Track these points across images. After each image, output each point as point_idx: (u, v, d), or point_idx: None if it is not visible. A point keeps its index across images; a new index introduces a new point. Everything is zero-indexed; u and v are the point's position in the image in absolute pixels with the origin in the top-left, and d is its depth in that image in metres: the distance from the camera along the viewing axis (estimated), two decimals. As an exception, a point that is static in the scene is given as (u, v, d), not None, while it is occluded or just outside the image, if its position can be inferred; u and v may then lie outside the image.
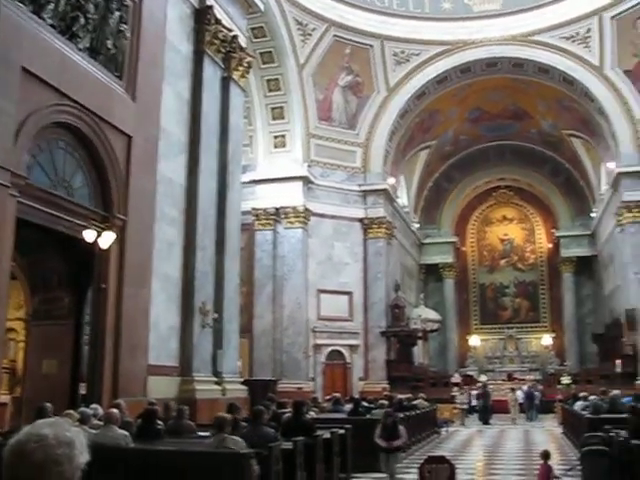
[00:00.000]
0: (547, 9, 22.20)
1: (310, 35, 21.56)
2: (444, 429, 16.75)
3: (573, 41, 22.09)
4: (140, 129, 9.88)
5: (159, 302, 10.61)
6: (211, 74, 12.48)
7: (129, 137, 9.66)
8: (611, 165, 23.09)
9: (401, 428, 8.34)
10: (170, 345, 11.08)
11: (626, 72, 21.65)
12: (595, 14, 21.42)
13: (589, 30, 21.75)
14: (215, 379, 12.10)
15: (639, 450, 6.61)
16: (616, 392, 13.22)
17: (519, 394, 21.30)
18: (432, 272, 32.85)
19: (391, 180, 24.70)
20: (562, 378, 23.74)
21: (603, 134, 23.66)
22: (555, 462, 9.21)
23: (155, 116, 10.38)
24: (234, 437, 5.95)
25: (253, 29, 19.22)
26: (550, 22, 22.20)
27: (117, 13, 9.48)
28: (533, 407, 20.64)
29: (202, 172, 11.97)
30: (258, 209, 21.13)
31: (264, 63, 20.69)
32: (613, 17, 21.14)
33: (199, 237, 11.77)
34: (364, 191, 23.56)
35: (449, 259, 32.53)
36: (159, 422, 7.48)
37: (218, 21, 12.39)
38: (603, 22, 21.35)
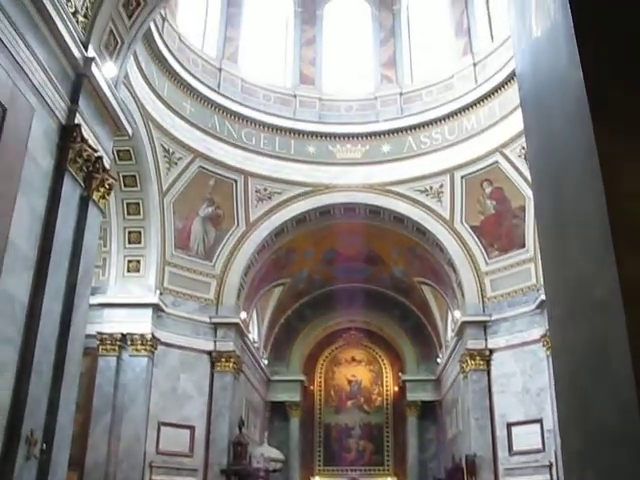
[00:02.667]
0: (404, 163, 23.85)
1: (176, 163, 21.77)
2: None
3: (427, 194, 23.68)
4: (-14, 240, 9.34)
5: (-19, 430, 9.66)
6: (70, 192, 12.16)
7: (-28, 247, 9.10)
8: (457, 314, 24.30)
9: None
10: (-15, 479, 10.02)
11: (473, 227, 23.32)
12: (448, 172, 23.23)
13: (442, 186, 23.46)
14: (35, 519, 10.97)
15: None
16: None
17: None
18: (278, 410, 32.35)
19: (243, 314, 24.60)
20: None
21: (451, 283, 24.98)
22: None
23: (4, 229, 9.88)
24: None
25: (119, 151, 19.19)
26: (406, 175, 23.78)
27: (-23, 120, 9.16)
28: None
29: (48, 291, 11.35)
30: (104, 334, 20.26)
31: (126, 186, 20.54)
32: (463, 177, 22.96)
33: (36, 360, 10.99)
34: (215, 323, 23.25)
35: (296, 397, 32.27)
36: None
37: (84, 140, 12.24)
38: (454, 180, 23.13)
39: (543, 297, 18.14)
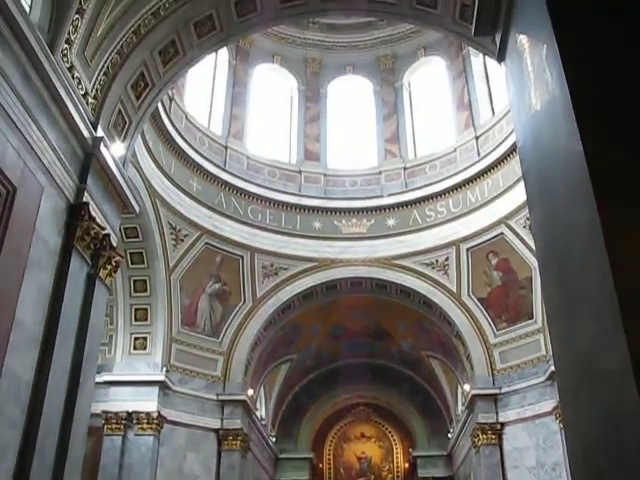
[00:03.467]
0: (409, 236, 23.99)
1: (182, 240, 21.91)
2: None
3: (433, 267, 23.69)
4: (-8, 319, 9.33)
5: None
6: (77, 269, 12.19)
7: (-22, 327, 9.07)
8: (467, 387, 23.94)
9: None
10: None
11: (480, 299, 23.22)
12: (453, 244, 23.31)
13: (447, 259, 23.49)
14: None
15: None
16: None
17: None
18: (287, 490, 31.60)
19: (250, 391, 24.29)
20: None
21: (460, 357, 24.71)
22: None
23: (10, 307, 9.87)
24: None
25: (126, 228, 19.34)
26: (412, 249, 23.88)
27: (-12, 200, 9.29)
28: None
29: (53, 370, 11.24)
30: (109, 412, 19.97)
31: (133, 263, 20.63)
32: (469, 249, 23.02)
33: (39, 441, 10.78)
34: (222, 401, 22.93)
35: (305, 476, 31.53)
36: None
37: (92, 218, 12.36)
38: (460, 252, 23.18)
39: (553, 368, 17.89)
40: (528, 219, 19.32)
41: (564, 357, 2.58)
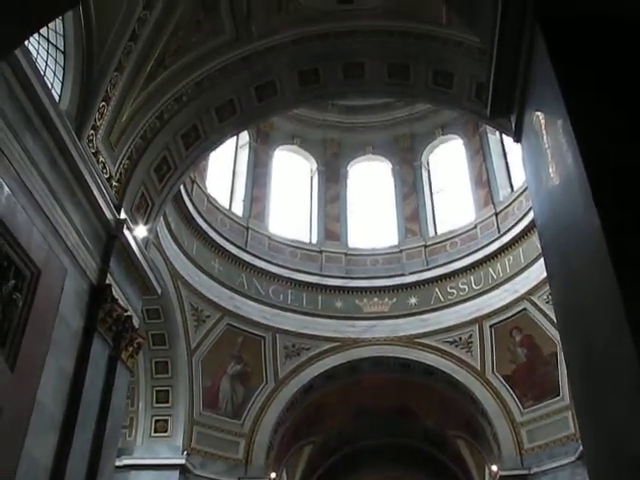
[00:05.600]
0: (432, 315, 23.80)
1: (204, 321, 21.91)
2: None
3: (456, 345, 23.41)
4: (12, 401, 9.30)
5: None
6: (99, 352, 12.20)
7: (-1, 409, 9.04)
8: (494, 468, 23.23)
9: None
10: None
11: (505, 377, 22.79)
12: (476, 322, 23.06)
13: (470, 336, 23.22)
14: None
15: None
16: None
17: None
18: None
19: (273, 475, 23.75)
20: None
21: (486, 436, 24.11)
22: None
23: (32, 389, 9.86)
24: None
25: (147, 310, 19.39)
26: (435, 327, 23.66)
27: (12, 281, 9.40)
28: None
29: (73, 454, 11.11)
30: (130, 500, 19.61)
31: (154, 344, 20.60)
32: (492, 325, 22.76)
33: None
34: (244, 486, 22.45)
35: None
36: None
37: (114, 300, 12.44)
38: (483, 330, 22.91)
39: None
40: (550, 294, 19.18)
41: (591, 439, 2.52)
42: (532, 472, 21.68)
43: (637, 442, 2.02)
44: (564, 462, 20.65)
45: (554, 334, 20.59)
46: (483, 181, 25.77)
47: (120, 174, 13.17)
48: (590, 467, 2.66)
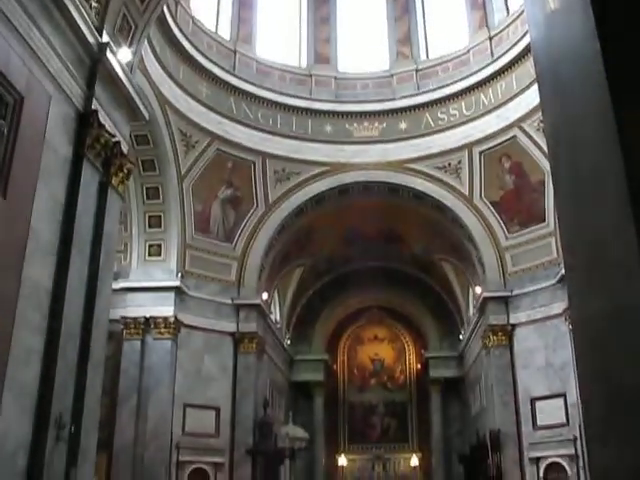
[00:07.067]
0: (422, 140, 23.73)
1: (193, 147, 21.82)
2: None
3: (445, 171, 23.57)
4: (7, 226, 9.44)
5: (10, 415, 9.78)
6: (89, 178, 12.22)
7: (-5, 235, 9.20)
8: (478, 290, 24.24)
9: None
10: (17, 462, 10.16)
11: (493, 203, 23.19)
12: (465, 148, 23.09)
13: (460, 162, 23.33)
14: (66, 500, 11.17)
15: None
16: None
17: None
18: (302, 389, 32.57)
19: (264, 295, 24.70)
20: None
21: (472, 259, 24.90)
22: None
23: (25, 215, 9.98)
24: None
25: (136, 136, 19.25)
26: (424, 152, 23.68)
27: (-5, 109, 9.23)
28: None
29: (71, 277, 11.47)
30: (128, 318, 20.48)
31: (145, 171, 20.64)
32: (481, 152, 22.81)
33: (62, 345, 11.12)
34: (237, 305, 23.38)
35: (320, 377, 32.45)
36: None
37: (101, 126, 12.29)
38: (473, 156, 22.99)
39: (564, 271, 18.01)
40: (542, 122, 19.04)
41: (573, 251, 2.60)
42: (514, 294, 22.66)
43: (617, 250, 2.10)
44: (545, 285, 21.52)
45: (543, 162, 20.72)
46: (478, 3, 24.75)
47: (99, -7, 12.54)
48: (570, 279, 2.76)
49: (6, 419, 9.64)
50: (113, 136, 12.90)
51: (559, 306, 20.43)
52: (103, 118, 12.46)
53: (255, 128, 23.39)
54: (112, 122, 12.99)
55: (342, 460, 31.35)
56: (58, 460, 11.04)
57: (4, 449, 9.71)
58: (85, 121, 11.95)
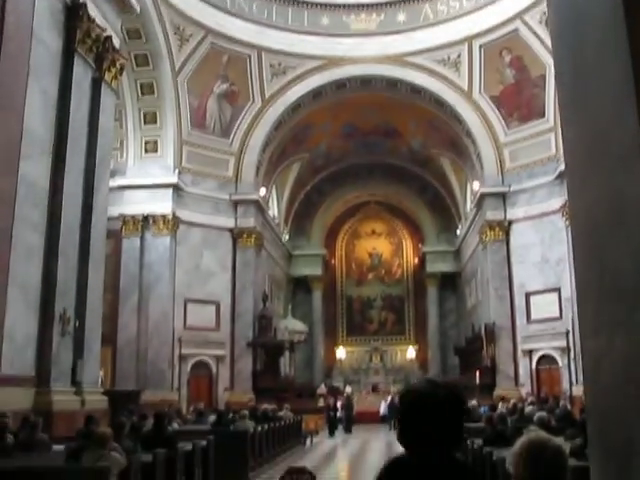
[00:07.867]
0: (420, 32, 23.09)
1: (187, 41, 21.28)
2: (308, 439, 16.99)
3: (444, 65, 23.07)
4: (0, 126, 9.36)
5: (16, 310, 10.04)
6: (81, 74, 12.03)
7: (-11, 134, 9.13)
8: (476, 185, 24.24)
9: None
10: (26, 354, 10.52)
11: (492, 98, 22.83)
12: (465, 41, 22.47)
13: (459, 55, 22.79)
14: (74, 390, 11.61)
15: (492, 457, 6.90)
16: (473, 402, 13.88)
17: (382, 405, 21.74)
18: (301, 284, 33.14)
19: (262, 191, 24.72)
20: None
21: (470, 155, 24.78)
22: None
23: (18, 113, 9.86)
24: (116, 454, 5.70)
25: (128, 31, 18.75)
26: (423, 45, 23.09)
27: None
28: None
29: (68, 175, 11.48)
30: (126, 215, 20.56)
31: (138, 66, 20.22)
32: (481, 45, 22.23)
33: (62, 242, 11.28)
34: (235, 201, 23.43)
35: (318, 271, 32.94)
36: (9, 436, 7.07)
37: (91, 19, 11.98)
38: (473, 49, 22.42)
39: (562, 167, 17.94)
40: (545, 13, 18.48)
41: (574, 144, 2.59)
42: (512, 190, 22.66)
43: (617, 142, 2.11)
44: (543, 181, 21.49)
45: (545, 56, 20.22)
46: None
47: None
48: (570, 172, 2.77)
49: (13, 314, 9.90)
50: (104, 30, 12.61)
51: (556, 202, 20.45)
52: (92, 10, 12.15)
53: (250, 20, 22.72)
54: (102, 15, 12.66)
55: (340, 352, 32.26)
56: (65, 353, 11.42)
57: (14, 342, 10.04)
58: (74, 14, 11.65)
